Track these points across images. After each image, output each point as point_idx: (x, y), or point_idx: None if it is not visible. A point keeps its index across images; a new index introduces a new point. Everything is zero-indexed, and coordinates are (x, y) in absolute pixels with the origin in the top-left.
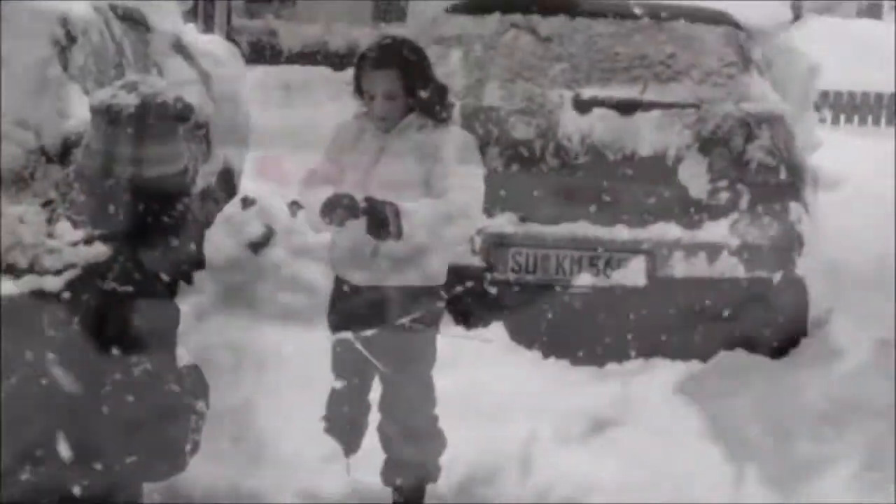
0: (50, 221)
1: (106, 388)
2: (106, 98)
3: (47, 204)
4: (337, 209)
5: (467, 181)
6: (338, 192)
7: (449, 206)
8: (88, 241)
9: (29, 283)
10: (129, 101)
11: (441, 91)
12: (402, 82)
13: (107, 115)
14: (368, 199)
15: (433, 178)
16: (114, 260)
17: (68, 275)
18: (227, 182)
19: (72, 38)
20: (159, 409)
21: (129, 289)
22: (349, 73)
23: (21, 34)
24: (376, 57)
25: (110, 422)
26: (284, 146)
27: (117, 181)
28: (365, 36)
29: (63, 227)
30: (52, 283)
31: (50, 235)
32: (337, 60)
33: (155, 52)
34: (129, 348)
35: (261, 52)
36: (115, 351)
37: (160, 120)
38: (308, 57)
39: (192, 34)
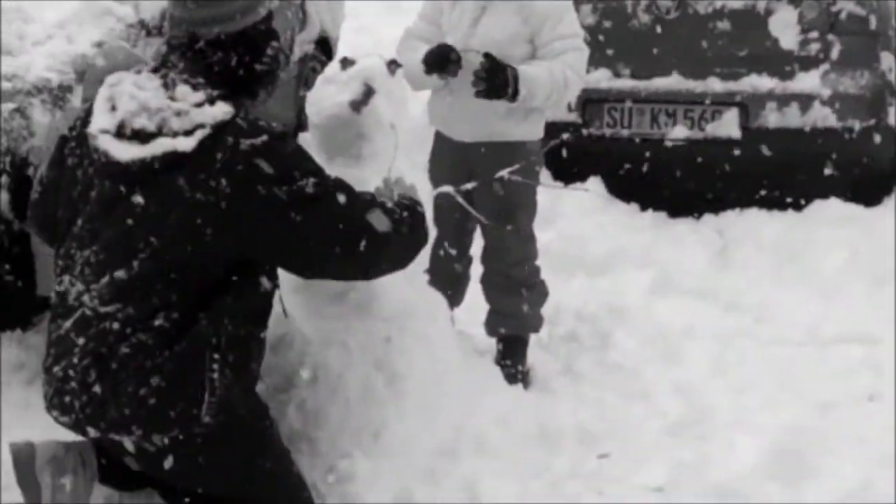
0: (166, 87)
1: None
2: None
3: (156, 70)
4: (449, 64)
5: (576, 43)
6: (440, 44)
7: (564, 68)
8: (212, 102)
9: (161, 145)
10: None
11: None
12: None
13: None
14: (489, 58)
15: (540, 38)
16: (236, 117)
17: (199, 134)
18: (325, 49)
19: None
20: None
21: (264, 138)
22: None
23: None
24: None
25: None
26: (378, 12)
27: (207, 42)
28: None
29: (183, 90)
30: (186, 144)
31: (172, 99)
32: None
33: None
34: (276, 189)
35: None
36: (267, 196)
37: None
38: None
39: None
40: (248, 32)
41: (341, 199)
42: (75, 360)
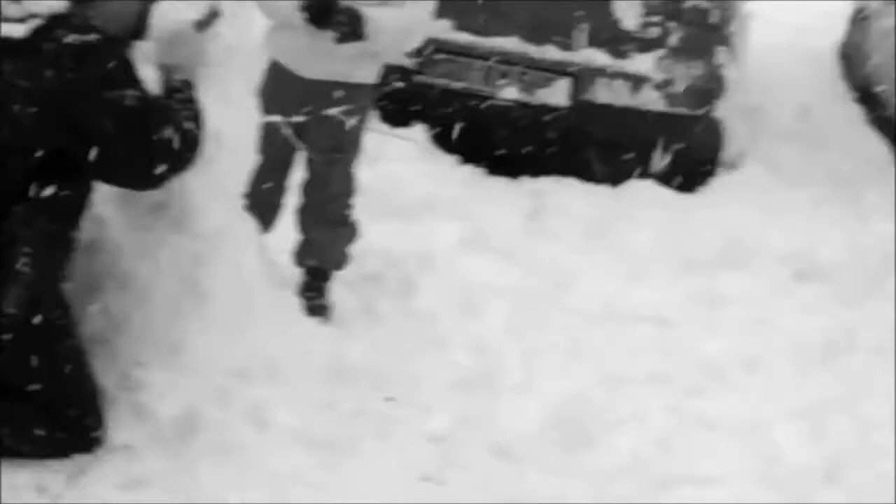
0: None
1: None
2: None
3: None
4: (331, 16)
5: None
6: None
7: (408, 15)
8: None
9: None
10: None
11: None
12: None
13: None
14: (335, 3)
15: None
16: (69, 14)
17: (31, 23)
18: None
19: None
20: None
21: (94, 37)
22: None
23: None
24: None
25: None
26: None
27: None
28: None
29: None
30: (17, 30)
31: None
32: None
33: None
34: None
35: None
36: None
37: None
38: None
39: None
40: None
41: (153, 116)
42: None
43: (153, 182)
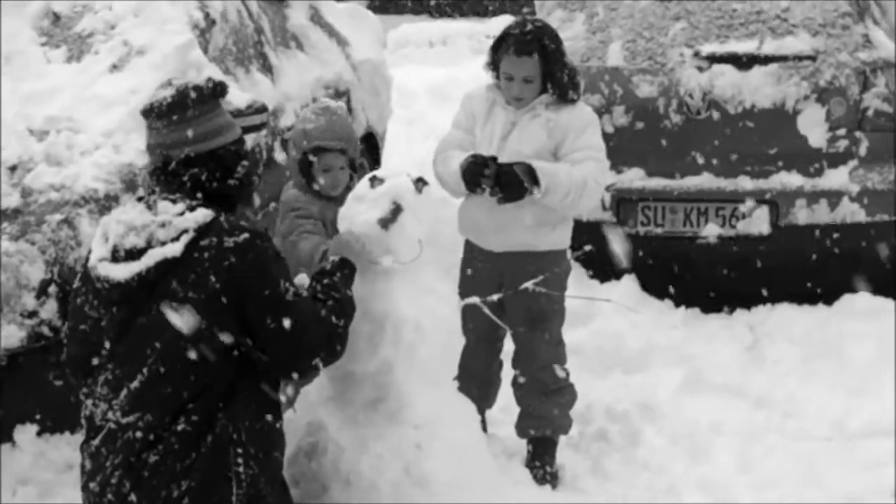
0: (148, 208)
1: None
2: (147, 100)
3: (140, 199)
4: (482, 178)
5: (595, 154)
6: (476, 156)
7: (583, 172)
8: (192, 210)
9: (152, 256)
10: (167, 93)
11: (573, 74)
12: (541, 68)
13: (153, 112)
14: (499, 165)
15: (562, 150)
16: (216, 221)
17: (185, 239)
18: (371, 144)
19: (211, 21)
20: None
21: (246, 236)
22: (489, 23)
23: (160, 21)
24: (519, 43)
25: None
26: (427, 104)
27: (178, 162)
28: None
29: (164, 205)
30: (174, 249)
31: (155, 215)
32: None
33: (293, 26)
34: (261, 285)
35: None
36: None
37: (200, 101)
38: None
39: (327, 3)
40: (217, 152)
41: (307, 311)
42: (108, 474)
43: (309, 371)
